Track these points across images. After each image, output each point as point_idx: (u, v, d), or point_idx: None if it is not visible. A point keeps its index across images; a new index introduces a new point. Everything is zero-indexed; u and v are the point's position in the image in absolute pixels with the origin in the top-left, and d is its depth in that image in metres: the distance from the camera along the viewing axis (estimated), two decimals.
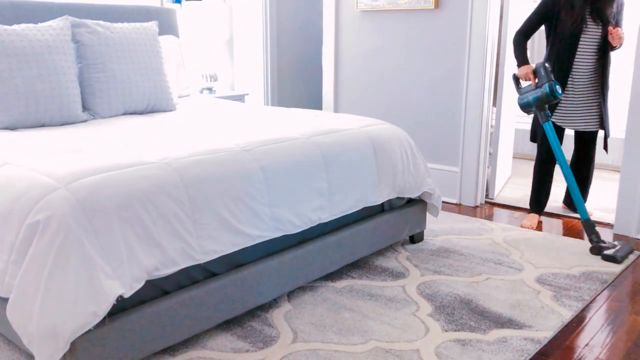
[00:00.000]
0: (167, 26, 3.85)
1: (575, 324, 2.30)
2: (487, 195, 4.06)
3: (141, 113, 3.22)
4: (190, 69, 4.59)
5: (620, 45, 3.18)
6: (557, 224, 3.52)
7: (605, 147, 3.34)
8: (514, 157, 5.43)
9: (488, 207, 3.90)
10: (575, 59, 3.22)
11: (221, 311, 2.13)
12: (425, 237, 3.24)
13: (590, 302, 2.49)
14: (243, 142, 2.34)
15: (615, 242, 3.02)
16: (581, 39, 3.18)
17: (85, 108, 3.01)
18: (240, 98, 4.56)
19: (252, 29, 4.87)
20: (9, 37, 2.72)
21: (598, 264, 2.88)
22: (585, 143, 3.46)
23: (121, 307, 1.84)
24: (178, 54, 3.83)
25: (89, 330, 1.71)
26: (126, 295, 1.76)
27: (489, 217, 3.67)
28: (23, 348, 1.88)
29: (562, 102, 3.29)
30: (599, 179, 4.64)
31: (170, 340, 1.98)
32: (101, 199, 1.78)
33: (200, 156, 2.14)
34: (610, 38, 3.11)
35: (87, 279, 1.67)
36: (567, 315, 2.36)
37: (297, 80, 5.62)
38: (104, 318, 1.77)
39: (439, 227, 3.43)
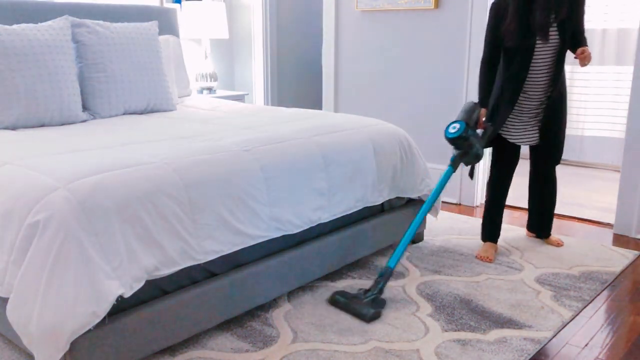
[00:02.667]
0: (167, 26, 3.85)
1: (575, 324, 2.30)
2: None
3: (141, 113, 3.22)
4: (190, 69, 4.59)
5: (589, 62, 2.70)
6: (557, 224, 3.52)
7: (552, 161, 2.91)
8: None
9: None
10: (529, 76, 2.73)
11: (221, 311, 2.13)
12: (425, 237, 3.24)
13: (590, 302, 2.49)
14: (243, 142, 2.34)
15: (365, 303, 2.32)
16: (535, 52, 2.69)
17: (85, 108, 3.01)
18: (240, 98, 4.55)
19: (252, 29, 4.87)
20: (9, 37, 2.72)
21: (598, 264, 2.88)
22: (539, 159, 2.97)
23: (121, 307, 1.83)
24: (178, 54, 3.83)
25: (89, 330, 1.71)
26: (126, 295, 1.76)
27: None
28: (23, 348, 1.88)
29: (511, 120, 2.82)
30: (599, 179, 4.64)
31: (170, 340, 1.98)
32: (101, 199, 1.78)
33: (200, 156, 2.14)
34: (580, 61, 2.67)
35: (87, 279, 1.67)
36: (567, 315, 2.36)
37: (297, 80, 5.62)
38: (104, 318, 1.76)
39: (439, 227, 3.43)
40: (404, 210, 2.98)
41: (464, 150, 2.56)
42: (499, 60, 2.80)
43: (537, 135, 2.87)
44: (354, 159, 2.63)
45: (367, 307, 2.31)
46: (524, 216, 3.65)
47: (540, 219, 3.14)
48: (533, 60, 2.72)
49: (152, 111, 3.26)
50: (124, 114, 3.13)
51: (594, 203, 3.95)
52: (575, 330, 2.26)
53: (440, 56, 3.91)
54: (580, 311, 2.41)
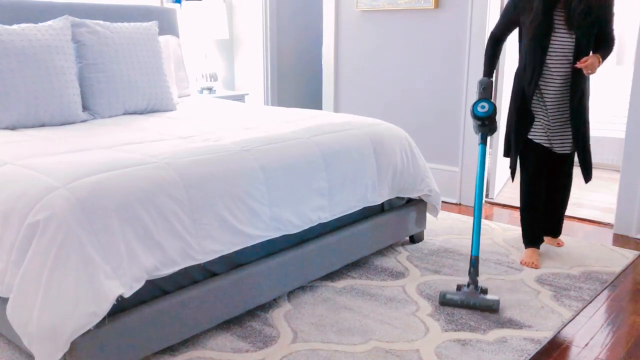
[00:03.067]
0: (167, 26, 3.85)
1: (575, 324, 2.30)
2: (487, 195, 4.06)
3: (141, 113, 3.22)
4: (190, 69, 4.59)
5: (593, 72, 2.69)
6: None
7: (586, 177, 2.86)
8: None
9: (488, 207, 3.90)
10: (544, 72, 2.73)
11: (221, 311, 2.13)
12: (425, 237, 3.24)
13: (590, 302, 2.49)
14: (243, 142, 2.34)
15: (482, 295, 2.44)
16: (550, 48, 2.69)
17: (85, 108, 3.01)
18: (240, 98, 4.56)
19: (252, 29, 4.87)
20: (9, 37, 2.72)
21: (598, 264, 2.88)
22: (554, 166, 2.92)
23: (121, 307, 1.84)
24: (178, 54, 3.83)
25: (89, 330, 1.71)
26: (126, 295, 1.76)
27: (489, 217, 3.66)
28: (23, 348, 1.88)
29: (537, 119, 2.80)
30: (599, 179, 4.64)
31: (170, 340, 1.98)
32: (101, 199, 1.78)
33: (200, 156, 2.14)
34: (584, 70, 2.67)
35: (87, 279, 1.67)
36: (567, 315, 2.36)
37: (297, 80, 5.62)
38: (104, 318, 1.77)
39: (439, 227, 3.43)
40: (404, 210, 2.98)
41: (491, 125, 2.69)
42: (506, 38, 2.85)
43: (558, 141, 2.81)
44: (354, 159, 2.63)
45: (487, 299, 2.41)
46: None
47: (552, 219, 3.06)
48: (548, 57, 2.70)
49: (152, 111, 3.26)
50: (124, 114, 3.13)
51: (594, 203, 3.95)
52: (575, 330, 2.26)
53: (440, 56, 3.91)
54: (580, 311, 2.41)
